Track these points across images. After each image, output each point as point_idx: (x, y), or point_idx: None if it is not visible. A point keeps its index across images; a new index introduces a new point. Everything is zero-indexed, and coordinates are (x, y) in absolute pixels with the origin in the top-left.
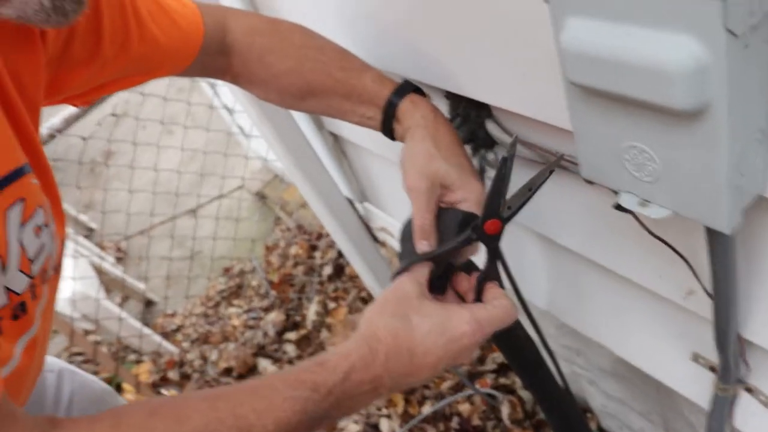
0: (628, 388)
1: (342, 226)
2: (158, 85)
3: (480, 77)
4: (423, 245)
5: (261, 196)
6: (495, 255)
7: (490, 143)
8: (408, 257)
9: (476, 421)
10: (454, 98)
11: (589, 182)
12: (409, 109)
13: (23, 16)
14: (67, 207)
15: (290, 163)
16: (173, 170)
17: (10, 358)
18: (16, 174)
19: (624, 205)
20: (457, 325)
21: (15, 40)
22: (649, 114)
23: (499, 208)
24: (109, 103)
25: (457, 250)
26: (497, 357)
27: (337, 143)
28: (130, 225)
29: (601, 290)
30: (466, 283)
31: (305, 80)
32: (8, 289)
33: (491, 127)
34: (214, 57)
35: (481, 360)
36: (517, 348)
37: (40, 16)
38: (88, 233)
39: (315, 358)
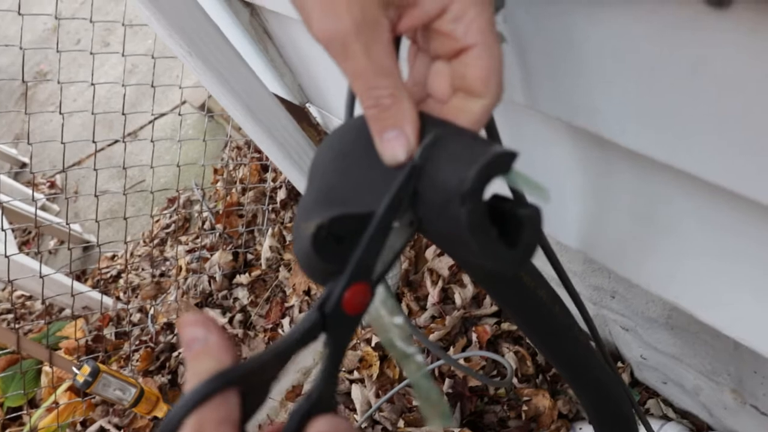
0: (687, 343)
1: (272, 138)
2: None
3: None
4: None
5: (207, 110)
6: (338, 359)
7: None
8: None
9: (474, 382)
10: None
11: None
12: None
13: None
14: None
15: (184, 51)
16: (114, 83)
17: None
18: None
19: None
20: None
21: None
22: None
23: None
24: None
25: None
26: None
27: (254, 17)
28: (67, 155)
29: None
30: None
31: None
32: None
33: None
34: None
35: (477, 302)
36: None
37: None
38: (20, 169)
39: None
